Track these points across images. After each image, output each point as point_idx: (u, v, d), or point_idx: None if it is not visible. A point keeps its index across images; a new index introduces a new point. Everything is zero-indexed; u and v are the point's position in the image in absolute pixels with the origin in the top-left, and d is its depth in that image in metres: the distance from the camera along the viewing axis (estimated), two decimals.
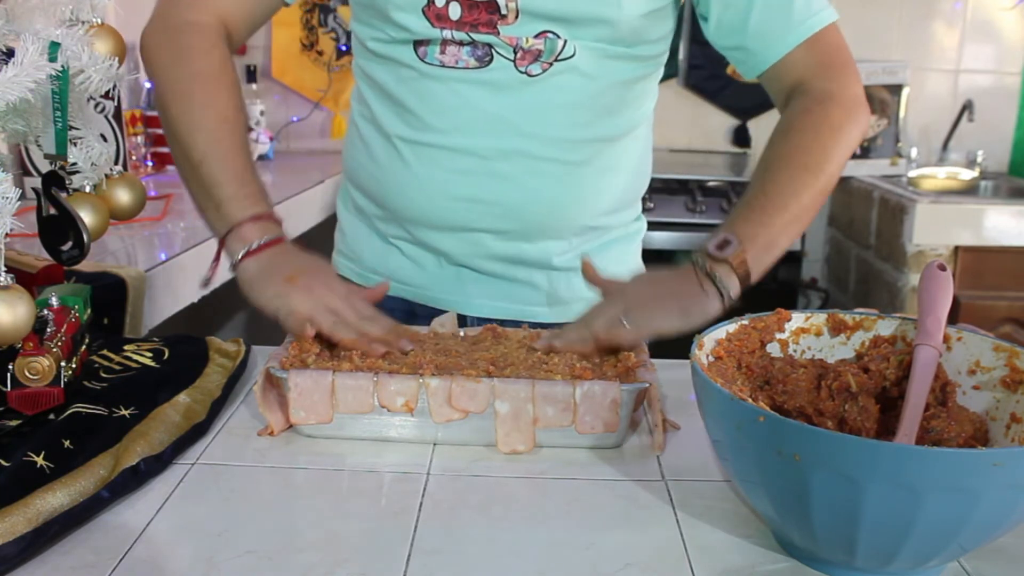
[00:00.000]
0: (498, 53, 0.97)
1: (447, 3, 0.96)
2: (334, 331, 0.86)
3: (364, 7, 1.01)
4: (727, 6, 0.99)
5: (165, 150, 2.28)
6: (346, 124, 3.10)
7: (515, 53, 0.97)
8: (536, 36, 0.96)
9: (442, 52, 0.98)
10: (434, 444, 0.80)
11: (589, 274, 0.96)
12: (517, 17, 0.95)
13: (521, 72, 0.98)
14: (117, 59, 0.84)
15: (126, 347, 0.92)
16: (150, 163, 2.24)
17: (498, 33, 0.96)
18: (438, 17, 0.97)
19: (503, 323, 0.98)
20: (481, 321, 1.07)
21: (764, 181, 0.95)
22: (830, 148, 0.96)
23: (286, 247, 0.94)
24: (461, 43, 0.97)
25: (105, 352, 0.90)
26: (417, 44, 0.99)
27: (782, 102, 1.03)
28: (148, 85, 2.27)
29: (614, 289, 0.93)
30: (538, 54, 0.97)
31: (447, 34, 0.97)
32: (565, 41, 0.96)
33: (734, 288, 0.89)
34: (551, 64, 0.97)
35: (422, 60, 0.99)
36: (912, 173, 2.92)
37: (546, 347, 0.87)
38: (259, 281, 0.90)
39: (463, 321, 1.04)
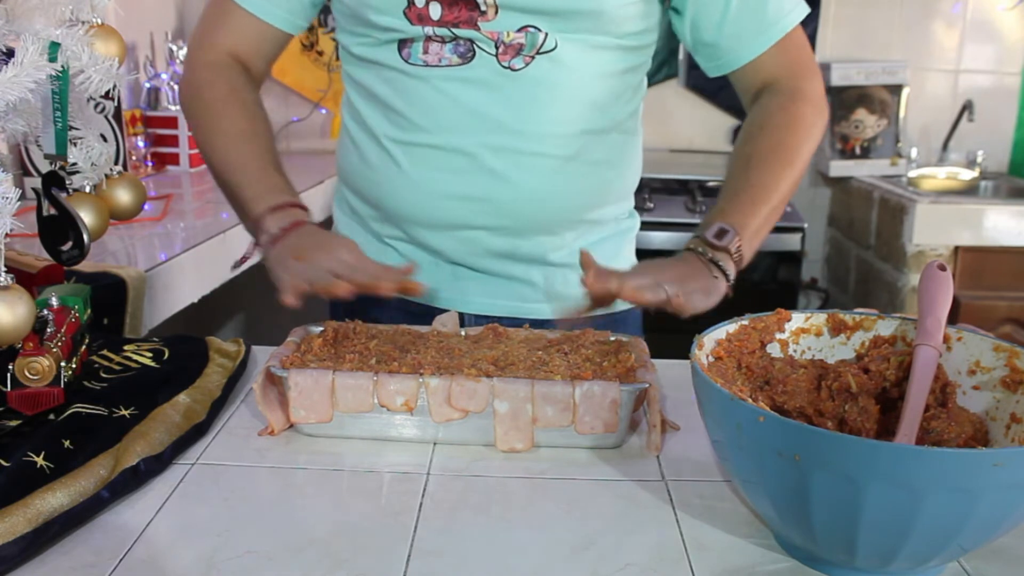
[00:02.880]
0: (480, 49, 0.98)
1: (427, 3, 0.97)
2: (328, 288, 0.90)
3: (347, 16, 1.03)
4: (704, 4, 1.01)
5: (165, 150, 2.28)
6: None
7: (497, 48, 0.98)
8: (518, 30, 0.97)
9: (425, 52, 0.99)
10: (434, 444, 0.80)
11: (587, 264, 0.92)
12: (497, 12, 0.96)
13: (504, 67, 0.98)
14: (117, 59, 0.84)
15: (126, 347, 0.92)
16: (150, 163, 2.24)
17: (479, 28, 0.97)
18: (419, 18, 0.98)
19: (502, 321, 0.98)
20: (480, 319, 1.07)
21: (748, 173, 1.02)
22: (802, 143, 1.04)
23: (305, 228, 0.97)
24: (444, 40, 0.98)
25: (105, 352, 0.90)
26: (401, 45, 1.00)
27: (750, 99, 1.09)
28: (147, 85, 2.26)
29: (635, 269, 0.94)
30: (520, 48, 0.98)
31: (428, 31, 0.98)
32: (547, 34, 0.97)
33: (732, 273, 0.95)
34: (533, 57, 0.98)
35: (406, 61, 1.01)
36: (912, 173, 2.92)
37: (603, 289, 0.88)
38: (276, 263, 0.94)
39: (461, 319, 1.04)
